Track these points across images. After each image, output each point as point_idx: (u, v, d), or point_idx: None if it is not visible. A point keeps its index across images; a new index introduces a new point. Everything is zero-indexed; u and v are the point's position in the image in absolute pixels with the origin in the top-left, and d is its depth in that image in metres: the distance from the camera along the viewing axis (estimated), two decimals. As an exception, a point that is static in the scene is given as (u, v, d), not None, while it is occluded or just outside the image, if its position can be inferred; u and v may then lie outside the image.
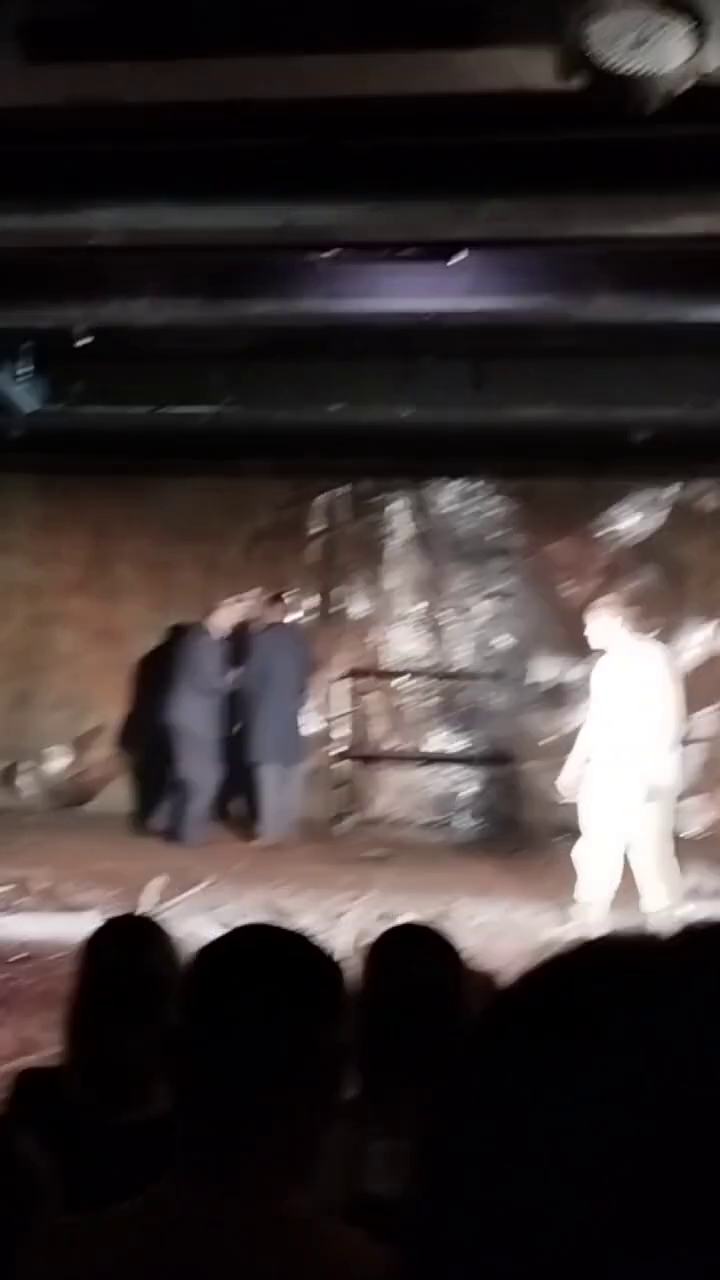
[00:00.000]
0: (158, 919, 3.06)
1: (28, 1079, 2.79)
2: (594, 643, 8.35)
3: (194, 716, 10.68)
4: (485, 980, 2.70)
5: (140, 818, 11.40)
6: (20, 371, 9.40)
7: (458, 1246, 0.63)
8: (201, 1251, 1.53)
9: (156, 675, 11.16)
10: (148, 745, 11.49)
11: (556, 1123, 0.62)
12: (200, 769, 10.67)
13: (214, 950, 1.75)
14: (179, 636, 11.18)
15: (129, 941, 2.80)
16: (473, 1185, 0.64)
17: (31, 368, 9.46)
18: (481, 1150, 0.64)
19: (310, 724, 11.60)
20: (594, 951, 0.69)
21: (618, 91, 4.10)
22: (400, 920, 3.52)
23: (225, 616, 10.94)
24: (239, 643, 11.46)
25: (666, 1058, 0.62)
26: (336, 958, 1.80)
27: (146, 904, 8.47)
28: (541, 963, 0.69)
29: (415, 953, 2.65)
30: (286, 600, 11.34)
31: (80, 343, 8.26)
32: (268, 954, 1.74)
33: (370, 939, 2.74)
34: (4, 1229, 1.83)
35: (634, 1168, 0.60)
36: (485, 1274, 0.62)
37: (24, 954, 7.40)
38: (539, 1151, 0.62)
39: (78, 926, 6.52)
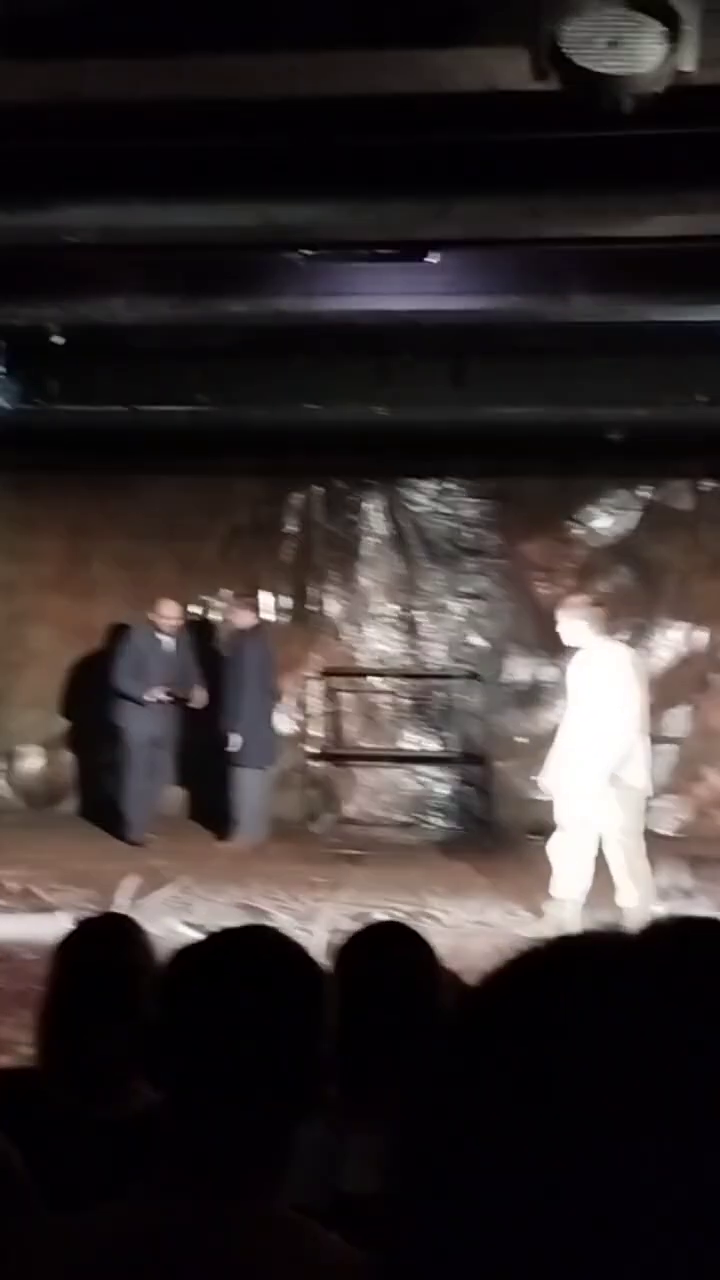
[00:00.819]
0: (132, 916, 3.06)
1: (2, 1079, 2.78)
2: (566, 641, 8.41)
3: (136, 716, 10.67)
4: (458, 979, 2.71)
5: (88, 814, 11.49)
6: (-4, 369, 9.37)
7: (434, 1246, 0.63)
8: (183, 1252, 1.53)
9: (100, 675, 11.12)
10: (94, 744, 11.57)
11: (530, 1120, 0.62)
12: (144, 767, 10.68)
13: (194, 951, 1.76)
14: (122, 636, 11.16)
15: (105, 939, 2.80)
16: (448, 1184, 0.64)
17: (7, 366, 9.42)
18: (456, 1149, 0.64)
19: (284, 724, 11.61)
20: (562, 949, 0.69)
21: (593, 92, 4.10)
22: (374, 919, 3.52)
23: (168, 616, 10.87)
24: (208, 644, 11.46)
25: (636, 1053, 0.62)
26: (314, 958, 1.81)
27: (120, 904, 8.46)
28: (511, 960, 0.69)
29: (389, 951, 2.65)
30: (255, 601, 11.32)
31: (56, 341, 8.24)
32: (247, 955, 1.74)
33: (344, 938, 2.74)
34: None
35: (609, 1161, 0.60)
36: (462, 1273, 0.62)
37: (-2, 954, 7.38)
38: (513, 1149, 0.62)
39: (51, 926, 6.53)
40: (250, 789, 10.59)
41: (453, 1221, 0.63)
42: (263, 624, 11.17)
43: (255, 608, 11.12)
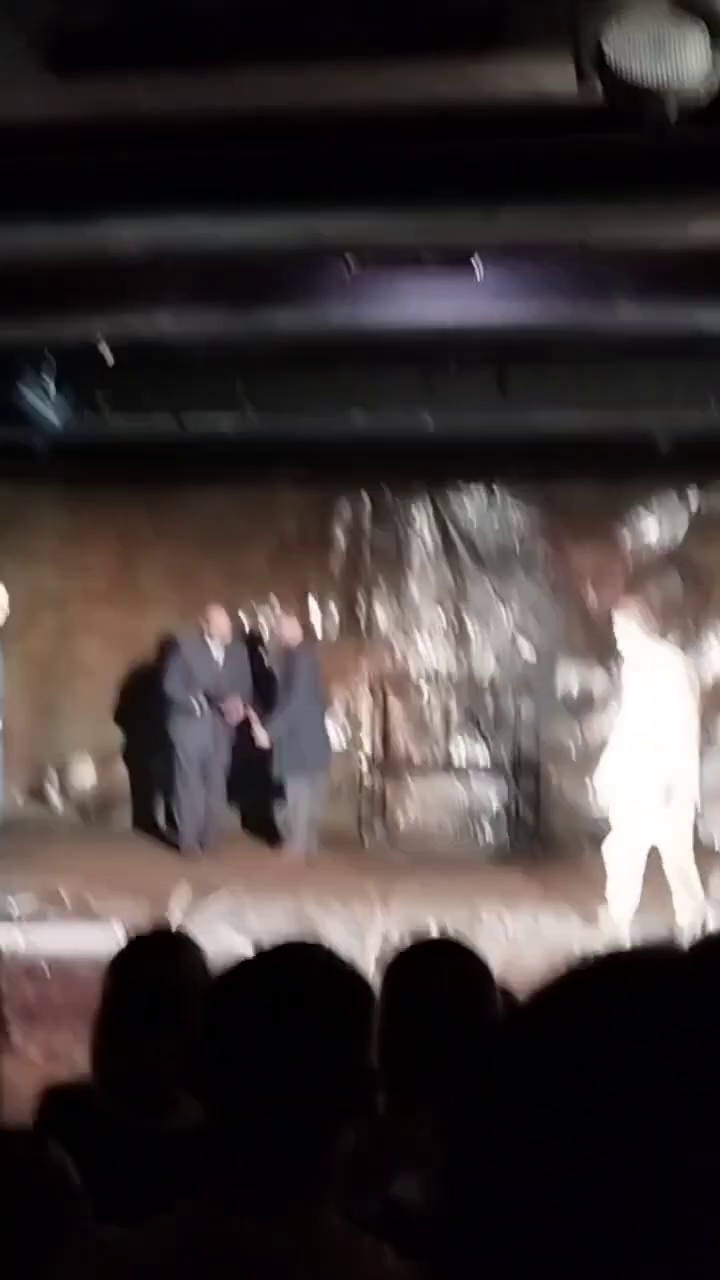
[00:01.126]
0: (185, 930, 3.06)
1: (57, 1091, 2.79)
2: (620, 646, 8.37)
3: (187, 726, 10.70)
4: (509, 991, 2.70)
5: (142, 824, 11.59)
6: (46, 384, 9.43)
7: (481, 1257, 0.63)
8: (232, 1263, 1.53)
9: (150, 687, 11.16)
10: (145, 756, 11.63)
11: (578, 1133, 0.62)
12: (195, 778, 10.70)
13: (240, 966, 1.76)
14: (171, 646, 11.19)
15: (158, 953, 2.80)
16: (495, 1195, 0.64)
17: (55, 380, 9.48)
18: (503, 1160, 0.64)
19: (335, 734, 11.61)
20: (610, 963, 0.69)
21: (636, 98, 4.09)
22: (426, 929, 3.51)
23: (217, 625, 10.88)
24: (257, 654, 11.47)
25: (685, 1066, 0.62)
26: (363, 970, 1.81)
27: (173, 914, 8.48)
28: (559, 975, 0.69)
29: (440, 964, 2.64)
30: (304, 611, 11.32)
31: (104, 355, 8.29)
32: (292, 969, 1.74)
33: (395, 949, 2.74)
34: (38, 1241, 1.84)
35: (657, 1179, 0.60)
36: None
37: (52, 966, 7.41)
38: (560, 1161, 0.62)
39: (105, 938, 6.57)
40: (302, 799, 10.59)
41: (499, 1232, 0.63)
42: (311, 634, 11.17)
43: (304, 618, 11.13)
